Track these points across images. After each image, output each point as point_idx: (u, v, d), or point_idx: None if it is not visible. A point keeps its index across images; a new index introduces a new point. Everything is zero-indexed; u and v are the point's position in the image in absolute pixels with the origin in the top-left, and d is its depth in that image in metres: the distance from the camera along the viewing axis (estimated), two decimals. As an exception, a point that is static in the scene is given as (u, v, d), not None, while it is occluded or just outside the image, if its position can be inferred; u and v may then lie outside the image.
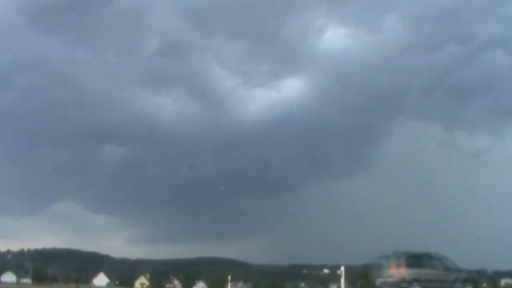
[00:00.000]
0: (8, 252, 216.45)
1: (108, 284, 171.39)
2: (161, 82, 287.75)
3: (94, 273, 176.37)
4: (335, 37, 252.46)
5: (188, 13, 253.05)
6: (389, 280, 33.19)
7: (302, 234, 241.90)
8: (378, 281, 34.64)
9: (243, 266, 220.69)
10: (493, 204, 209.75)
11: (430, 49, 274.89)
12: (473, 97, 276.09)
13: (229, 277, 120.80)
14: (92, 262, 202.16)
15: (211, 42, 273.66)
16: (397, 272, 32.66)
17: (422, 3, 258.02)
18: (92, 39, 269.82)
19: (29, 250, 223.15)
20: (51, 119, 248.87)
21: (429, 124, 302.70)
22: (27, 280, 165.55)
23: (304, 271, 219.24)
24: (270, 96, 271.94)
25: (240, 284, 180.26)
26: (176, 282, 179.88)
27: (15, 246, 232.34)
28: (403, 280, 32.27)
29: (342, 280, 40.89)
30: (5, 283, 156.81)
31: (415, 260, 33.44)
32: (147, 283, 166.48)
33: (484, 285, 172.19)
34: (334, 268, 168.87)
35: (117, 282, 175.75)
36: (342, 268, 37.61)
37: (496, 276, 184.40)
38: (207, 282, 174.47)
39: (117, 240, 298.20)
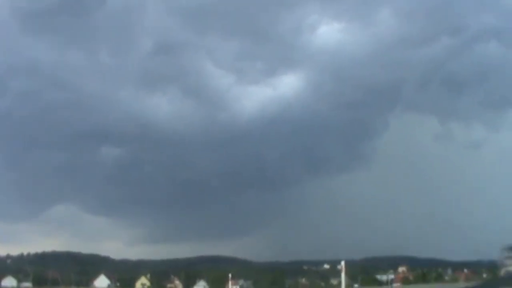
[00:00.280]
0: (8, 256, 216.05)
1: (109, 285, 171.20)
2: (156, 81, 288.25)
3: (95, 275, 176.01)
4: (329, 32, 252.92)
5: (181, 11, 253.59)
6: None
7: (301, 230, 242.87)
8: (504, 271, 35.36)
9: (243, 264, 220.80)
10: (490, 195, 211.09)
11: (424, 42, 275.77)
12: (467, 89, 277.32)
13: (230, 275, 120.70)
14: (92, 264, 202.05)
15: (205, 41, 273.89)
16: None
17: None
18: (85, 40, 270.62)
19: (29, 254, 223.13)
20: (47, 121, 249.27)
21: (425, 116, 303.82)
22: (27, 284, 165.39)
23: (305, 267, 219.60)
24: (266, 93, 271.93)
25: (241, 281, 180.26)
26: (177, 282, 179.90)
27: (14, 250, 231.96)
28: None
29: (343, 274, 40.88)
30: (6, 287, 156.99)
31: None
32: (148, 283, 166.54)
33: (484, 275, 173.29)
34: (335, 263, 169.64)
35: (118, 284, 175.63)
36: (343, 263, 37.56)
37: (493, 266, 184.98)
38: (207, 281, 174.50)
39: (117, 241, 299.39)
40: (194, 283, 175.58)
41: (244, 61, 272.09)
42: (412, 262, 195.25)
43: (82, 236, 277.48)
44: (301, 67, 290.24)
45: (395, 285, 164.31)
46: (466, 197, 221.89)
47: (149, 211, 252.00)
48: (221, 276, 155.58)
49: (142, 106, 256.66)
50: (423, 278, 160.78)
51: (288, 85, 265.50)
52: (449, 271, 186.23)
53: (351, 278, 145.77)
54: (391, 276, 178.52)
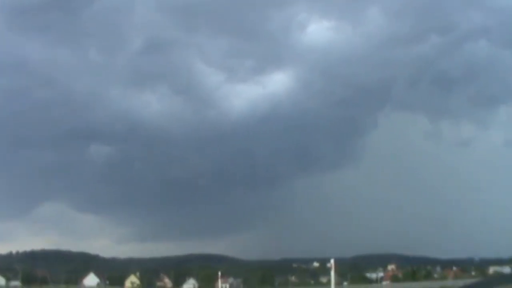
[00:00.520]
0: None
1: (98, 284, 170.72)
2: (145, 79, 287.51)
3: (84, 274, 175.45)
4: (318, 31, 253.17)
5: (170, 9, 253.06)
6: None
7: (291, 228, 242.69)
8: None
9: (233, 262, 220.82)
10: (480, 193, 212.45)
11: (413, 40, 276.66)
12: (457, 87, 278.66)
13: (219, 273, 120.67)
14: (81, 263, 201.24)
15: (194, 38, 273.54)
16: None
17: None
18: (74, 38, 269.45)
19: (17, 253, 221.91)
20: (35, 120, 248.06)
21: (415, 115, 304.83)
22: (16, 283, 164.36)
23: (294, 265, 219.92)
24: (255, 91, 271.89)
25: (230, 279, 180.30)
26: (166, 280, 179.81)
27: (3, 248, 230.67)
28: None
29: (332, 272, 40.94)
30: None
31: None
32: (138, 281, 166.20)
33: (473, 273, 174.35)
34: (324, 261, 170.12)
35: (107, 282, 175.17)
36: (332, 261, 37.60)
37: (483, 264, 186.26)
38: (197, 279, 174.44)
39: (106, 240, 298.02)
40: (183, 281, 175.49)
41: (234, 59, 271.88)
42: (401, 260, 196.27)
43: (71, 234, 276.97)
44: (291, 65, 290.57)
45: (384, 283, 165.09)
46: (456, 195, 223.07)
47: (139, 209, 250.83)
48: (211, 274, 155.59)
49: (131, 104, 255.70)
50: (412, 276, 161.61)
51: (277, 83, 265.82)
52: (438, 269, 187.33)
53: (341, 276, 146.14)
54: (381, 274, 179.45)
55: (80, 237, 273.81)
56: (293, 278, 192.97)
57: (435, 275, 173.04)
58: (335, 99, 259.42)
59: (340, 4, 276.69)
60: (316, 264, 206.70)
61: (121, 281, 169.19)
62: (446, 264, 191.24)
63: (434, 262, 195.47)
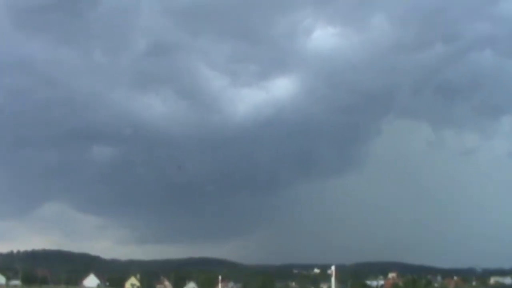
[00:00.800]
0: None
1: (98, 285, 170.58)
2: (149, 82, 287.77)
3: (84, 275, 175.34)
4: (323, 37, 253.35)
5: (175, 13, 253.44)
6: None
7: (292, 234, 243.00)
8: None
9: (233, 266, 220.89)
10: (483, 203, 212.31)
11: (417, 48, 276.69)
12: (460, 96, 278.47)
13: (220, 277, 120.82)
14: (82, 263, 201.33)
15: (199, 42, 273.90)
16: None
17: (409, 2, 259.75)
18: (79, 39, 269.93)
19: (18, 252, 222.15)
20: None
21: (418, 123, 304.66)
22: (16, 282, 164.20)
23: (295, 271, 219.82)
24: (259, 96, 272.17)
25: (230, 284, 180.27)
26: (166, 283, 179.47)
27: (4, 247, 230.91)
28: None
29: (333, 279, 41.04)
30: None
31: None
32: (138, 283, 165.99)
33: (474, 283, 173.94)
34: (325, 268, 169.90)
35: (107, 283, 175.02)
36: (333, 268, 37.71)
37: (485, 274, 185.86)
38: (197, 283, 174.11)
39: (107, 241, 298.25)
40: (183, 284, 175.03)
41: (238, 63, 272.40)
42: (402, 268, 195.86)
43: (73, 235, 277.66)
44: (295, 71, 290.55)
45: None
46: (459, 204, 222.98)
47: (141, 212, 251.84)
48: (211, 278, 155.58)
49: (135, 106, 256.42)
50: (413, 285, 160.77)
51: (281, 88, 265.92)
52: (439, 278, 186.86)
53: (341, 282, 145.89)
54: (381, 282, 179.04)
55: (81, 238, 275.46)
56: (293, 284, 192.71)
57: (436, 284, 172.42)
58: (339, 105, 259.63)
59: (346, 11, 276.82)
60: (316, 271, 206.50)
61: (121, 282, 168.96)
62: (447, 273, 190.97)
63: (435, 271, 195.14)
